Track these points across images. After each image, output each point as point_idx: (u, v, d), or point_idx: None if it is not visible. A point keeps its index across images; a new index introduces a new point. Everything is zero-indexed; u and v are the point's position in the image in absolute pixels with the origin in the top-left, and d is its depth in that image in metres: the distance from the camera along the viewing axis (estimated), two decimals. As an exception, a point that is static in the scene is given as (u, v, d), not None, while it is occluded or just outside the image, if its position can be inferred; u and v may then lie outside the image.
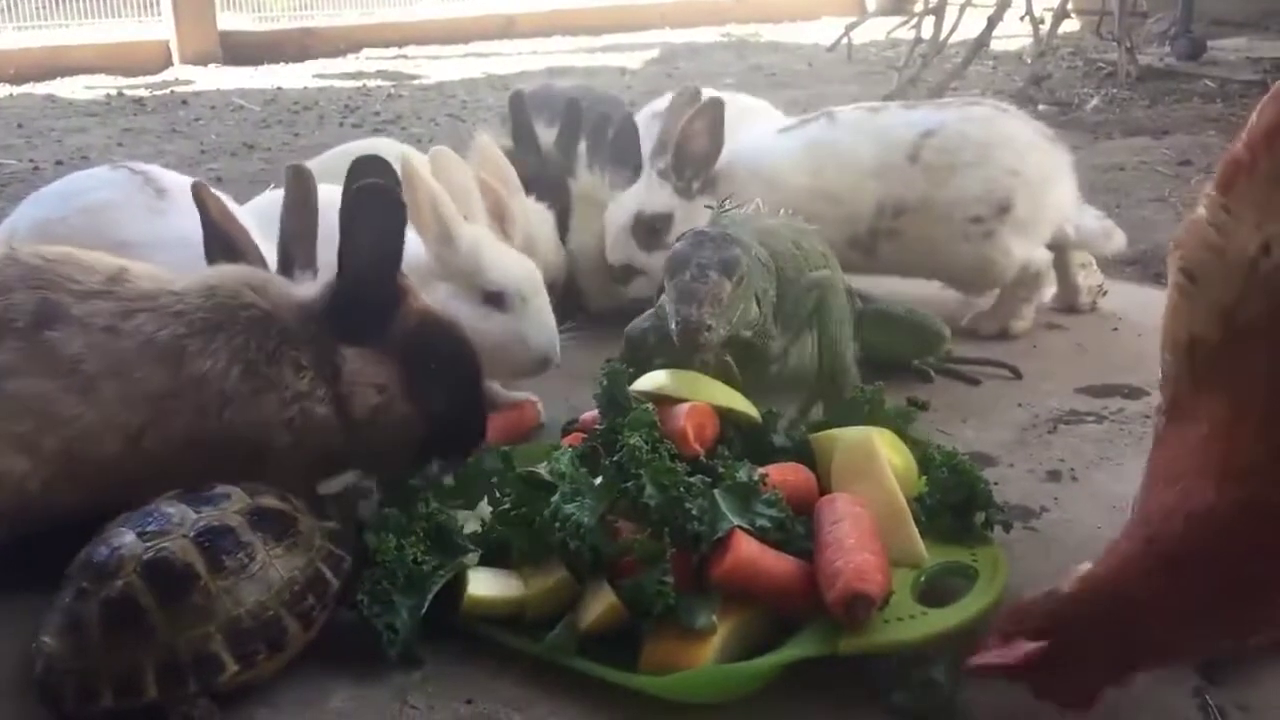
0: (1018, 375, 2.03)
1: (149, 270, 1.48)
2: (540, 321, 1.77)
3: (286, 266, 1.56)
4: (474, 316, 1.68)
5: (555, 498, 1.30)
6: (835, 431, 1.50)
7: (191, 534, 1.23)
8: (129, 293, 1.41)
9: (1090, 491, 1.65)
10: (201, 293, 1.42)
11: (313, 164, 2.42)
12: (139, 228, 1.78)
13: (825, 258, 1.84)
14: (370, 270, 1.42)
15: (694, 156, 2.18)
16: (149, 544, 1.22)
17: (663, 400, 1.45)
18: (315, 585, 1.29)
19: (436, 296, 1.71)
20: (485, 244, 1.80)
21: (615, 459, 1.32)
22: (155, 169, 1.97)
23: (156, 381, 1.36)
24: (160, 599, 1.18)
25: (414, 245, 1.78)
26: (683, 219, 2.16)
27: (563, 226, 2.29)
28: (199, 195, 1.57)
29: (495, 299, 1.75)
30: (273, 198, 2.08)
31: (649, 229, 2.21)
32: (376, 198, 1.41)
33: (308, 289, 1.47)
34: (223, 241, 1.56)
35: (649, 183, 2.22)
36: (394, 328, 1.45)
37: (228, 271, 1.48)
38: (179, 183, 1.90)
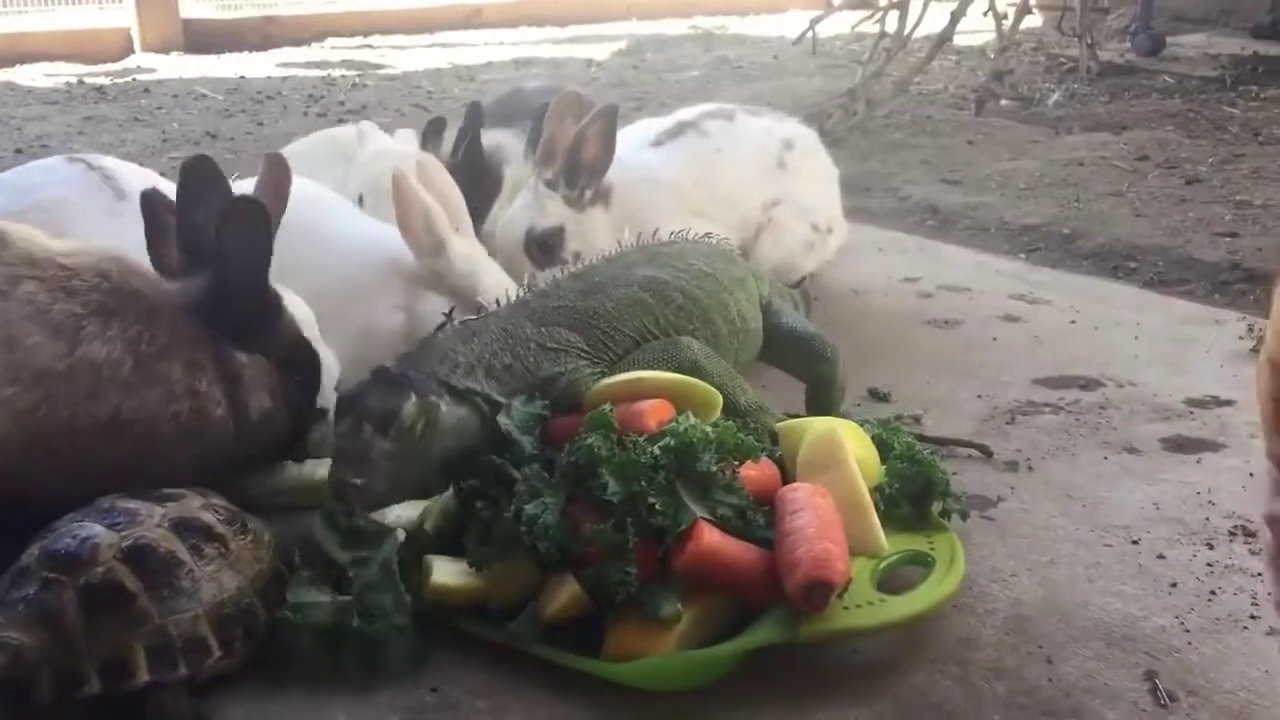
0: (989, 454, 1.75)
1: (29, 232, 1.45)
2: None
3: None
4: None
5: (514, 503, 1.30)
6: (802, 422, 1.52)
7: (166, 524, 1.24)
8: (13, 257, 1.38)
9: (1046, 481, 1.68)
10: (95, 273, 1.41)
11: (292, 149, 2.42)
12: (97, 229, 1.74)
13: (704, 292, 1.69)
14: (252, 279, 1.46)
15: (586, 164, 2.10)
16: (124, 533, 1.22)
17: (620, 396, 1.46)
18: (277, 579, 1.33)
19: (428, 308, 1.72)
20: (479, 259, 1.82)
21: (572, 459, 1.32)
22: (110, 162, 1.91)
23: (47, 356, 1.34)
24: (147, 583, 1.19)
25: (397, 249, 1.80)
26: (574, 232, 2.12)
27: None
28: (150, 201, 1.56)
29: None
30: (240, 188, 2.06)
31: (542, 246, 2.12)
32: (251, 209, 1.44)
33: (183, 288, 1.46)
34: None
35: (537, 195, 2.13)
36: (277, 338, 1.50)
37: (110, 256, 1.46)
38: (136, 179, 1.87)
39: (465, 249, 1.81)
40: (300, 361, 1.54)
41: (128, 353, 1.38)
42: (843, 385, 1.78)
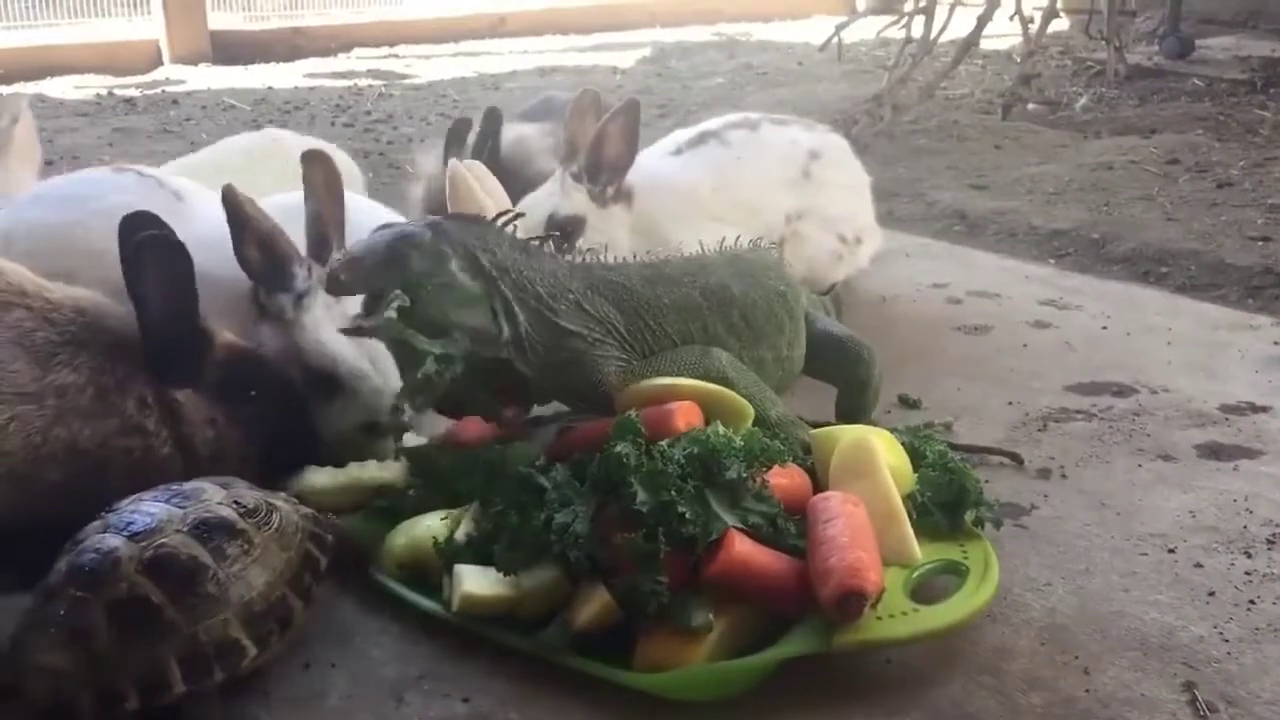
0: (1019, 462, 1.74)
1: (21, 268, 1.51)
2: None
3: (321, 248, 1.65)
4: None
5: (545, 511, 1.31)
6: (834, 430, 1.51)
7: (186, 528, 1.24)
8: (6, 285, 1.45)
9: (1079, 489, 1.66)
10: (74, 309, 1.48)
11: (195, 159, 2.42)
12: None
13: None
14: (175, 319, 1.48)
15: (608, 161, 2.10)
16: (144, 543, 1.21)
17: (651, 400, 1.46)
18: (309, 563, 1.32)
19: None
20: None
21: (602, 467, 1.32)
22: (161, 173, 1.94)
23: (25, 378, 1.40)
24: (171, 593, 1.19)
25: None
26: (595, 226, 2.12)
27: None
28: (230, 199, 1.59)
29: None
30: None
31: (561, 232, 2.09)
32: (163, 250, 1.46)
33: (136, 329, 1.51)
34: (259, 240, 1.60)
35: (563, 185, 2.14)
36: (209, 366, 1.52)
37: (91, 296, 1.53)
38: (184, 185, 1.90)
39: None
40: (245, 374, 1.55)
41: (90, 381, 1.43)
42: (878, 388, 1.77)
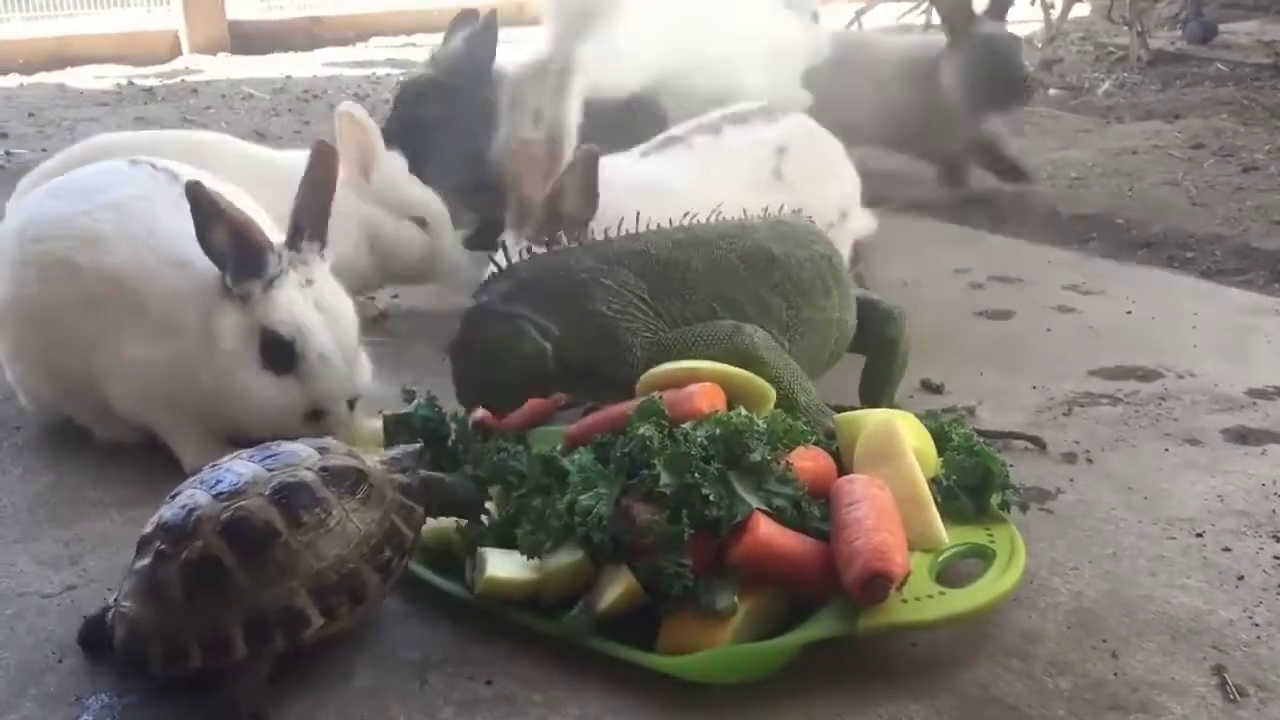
0: (1042, 446, 1.73)
1: None
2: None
3: (297, 236, 1.66)
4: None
5: (569, 494, 1.30)
6: (860, 414, 1.50)
7: (267, 492, 1.24)
8: None
9: (1105, 473, 1.65)
10: None
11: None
12: (168, 223, 1.74)
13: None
14: None
15: (568, 217, 1.71)
16: (225, 504, 1.22)
17: (672, 383, 1.45)
18: (392, 537, 1.29)
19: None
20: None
21: (625, 450, 1.31)
22: (176, 166, 1.93)
23: None
24: (241, 557, 1.20)
25: None
26: None
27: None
28: (197, 194, 1.57)
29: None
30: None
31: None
32: None
33: None
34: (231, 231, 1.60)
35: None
36: None
37: None
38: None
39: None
40: None
41: None
42: (905, 355, 1.74)
